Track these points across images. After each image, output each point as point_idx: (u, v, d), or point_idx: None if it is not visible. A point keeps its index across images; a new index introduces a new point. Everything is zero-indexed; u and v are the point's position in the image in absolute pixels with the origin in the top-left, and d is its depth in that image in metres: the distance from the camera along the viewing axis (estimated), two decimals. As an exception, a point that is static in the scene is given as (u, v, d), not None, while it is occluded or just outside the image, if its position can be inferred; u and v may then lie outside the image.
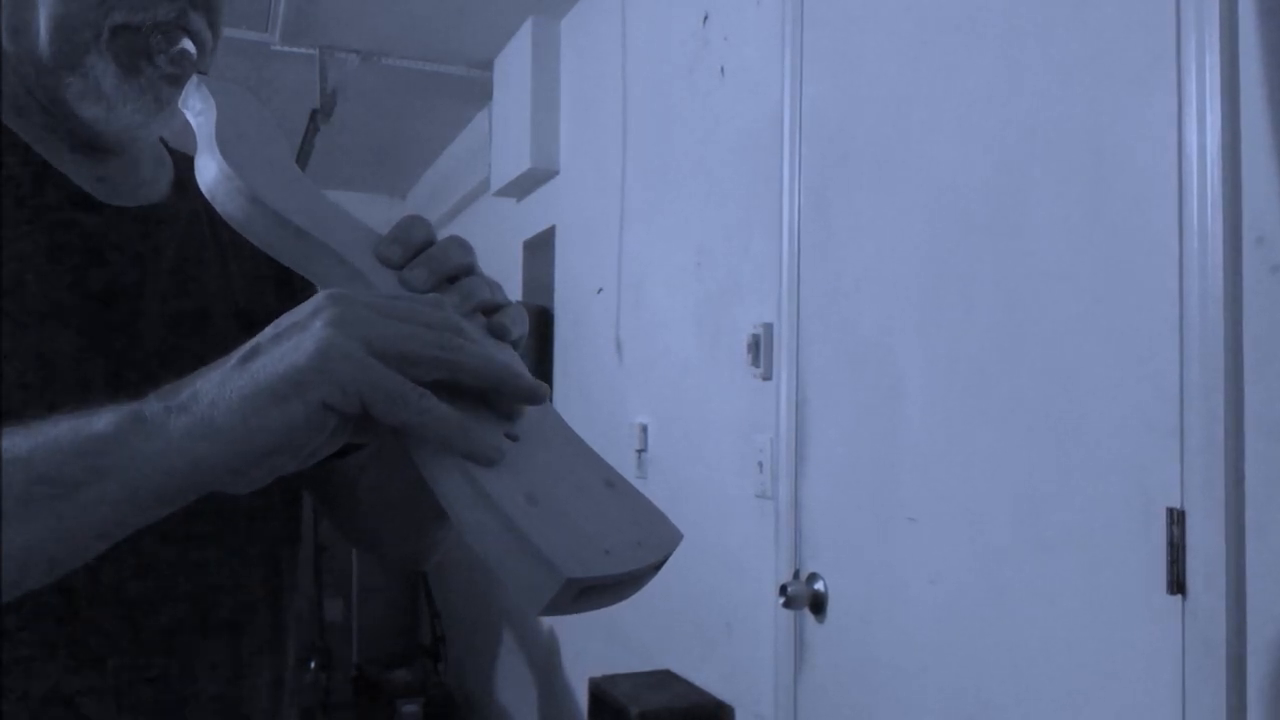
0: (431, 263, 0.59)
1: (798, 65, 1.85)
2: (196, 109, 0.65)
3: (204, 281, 0.78)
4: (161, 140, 0.83)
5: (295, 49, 3.26)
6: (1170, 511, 1.09)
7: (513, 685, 3.63)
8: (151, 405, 0.49)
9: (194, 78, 0.67)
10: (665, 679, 2.21)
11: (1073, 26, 1.27)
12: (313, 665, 4.00)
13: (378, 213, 3.93)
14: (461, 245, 0.60)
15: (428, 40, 3.32)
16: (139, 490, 0.48)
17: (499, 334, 0.58)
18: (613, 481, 0.55)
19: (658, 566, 0.52)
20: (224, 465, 0.47)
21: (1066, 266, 1.25)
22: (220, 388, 0.48)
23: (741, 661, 1.99)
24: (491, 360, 0.51)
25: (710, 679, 2.11)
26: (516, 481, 0.49)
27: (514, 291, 3.51)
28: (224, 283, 0.80)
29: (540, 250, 3.31)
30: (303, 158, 3.95)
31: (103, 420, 0.48)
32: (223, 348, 0.50)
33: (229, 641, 0.75)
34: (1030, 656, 1.28)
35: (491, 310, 0.59)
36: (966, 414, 1.41)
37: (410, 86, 3.70)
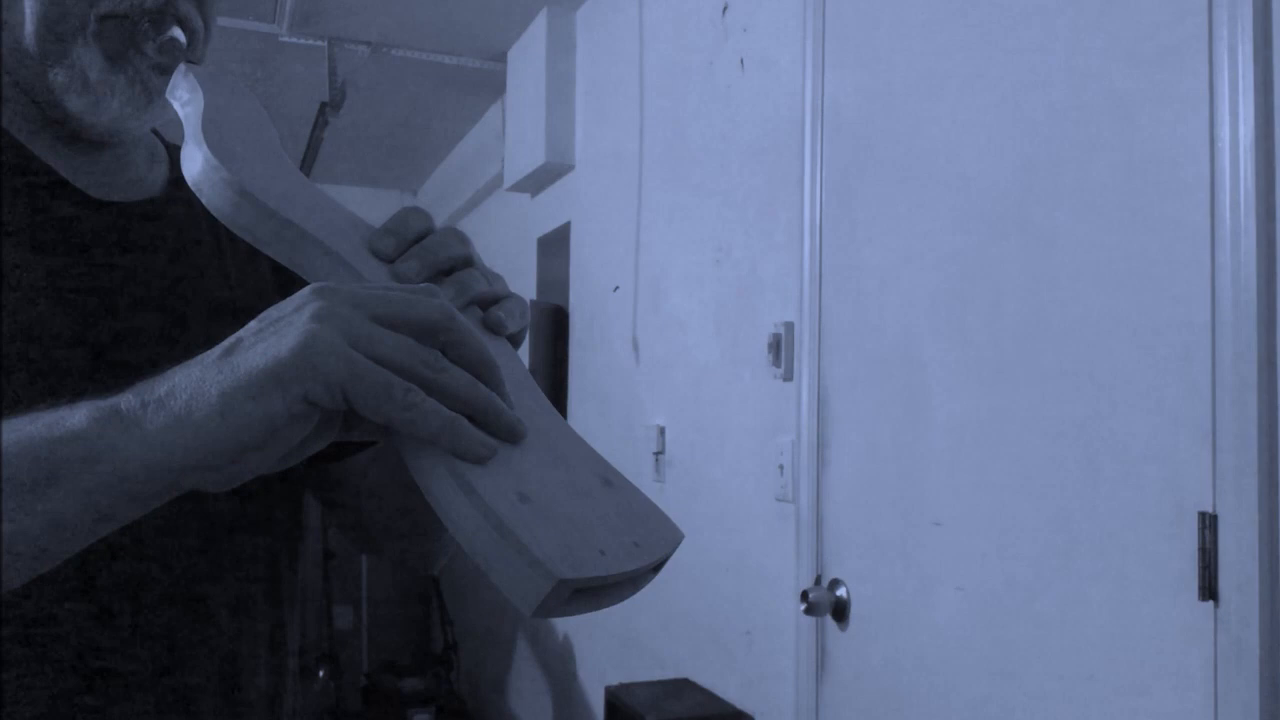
0: (425, 255, 0.58)
1: (819, 57, 1.86)
2: (184, 98, 0.65)
3: (198, 278, 0.78)
4: (156, 133, 0.83)
5: (303, 40, 3.28)
6: (1202, 516, 1.10)
7: (527, 694, 3.64)
8: (128, 400, 0.48)
9: (181, 66, 0.67)
10: (683, 687, 2.22)
11: (1100, 15, 1.27)
12: (322, 673, 4.03)
13: (388, 209, 3.95)
14: (457, 236, 0.60)
15: (440, 31, 3.35)
16: (114, 487, 0.47)
17: (495, 328, 0.58)
18: (610, 479, 0.54)
19: (657, 568, 0.52)
20: (202, 461, 0.47)
21: (1095, 263, 1.26)
22: (200, 382, 0.47)
23: (762, 670, 2.01)
24: (475, 387, 0.50)
25: (729, 688, 2.12)
26: (508, 479, 0.49)
27: (528, 289, 3.53)
28: (220, 279, 0.80)
29: (555, 247, 3.32)
30: (311, 152, 3.99)
31: (78, 416, 0.48)
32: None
33: (227, 646, 0.75)
34: (1058, 665, 1.29)
35: (489, 303, 0.59)
36: (993, 415, 1.42)
37: (422, 79, 3.72)
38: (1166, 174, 1.17)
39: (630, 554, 0.50)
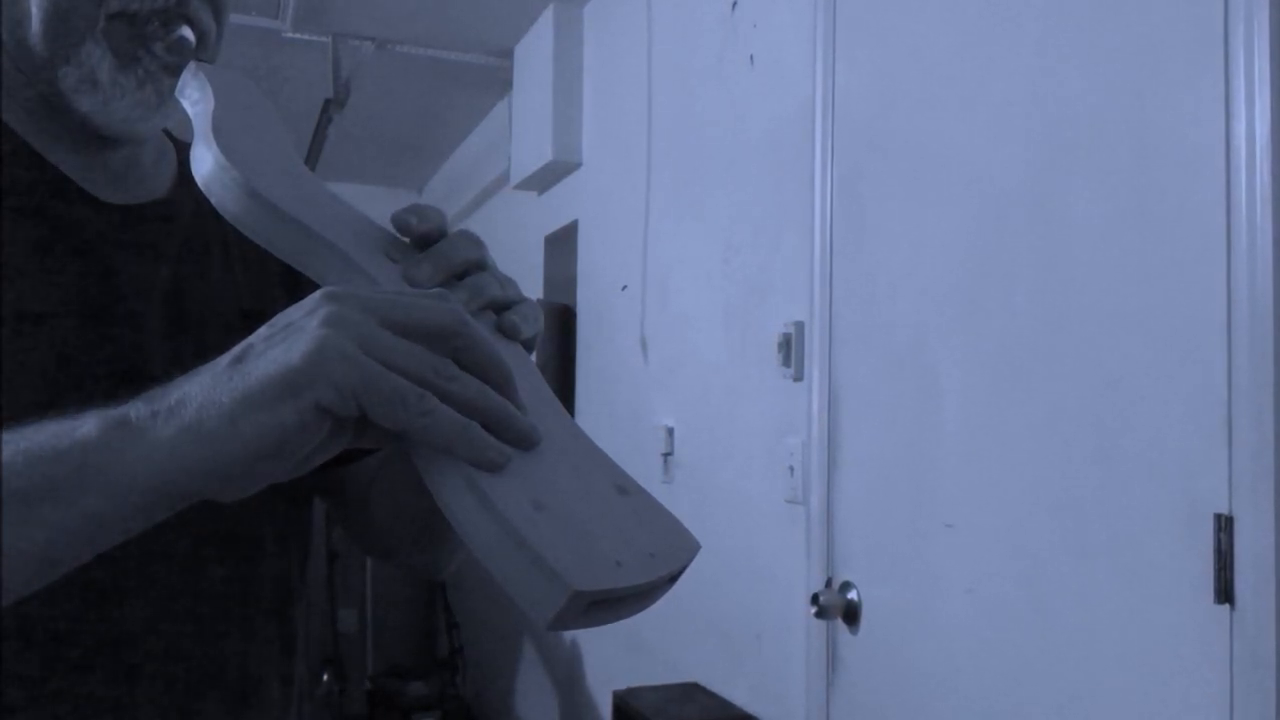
0: (438, 258, 0.58)
1: (829, 53, 1.86)
2: (194, 98, 0.65)
3: (207, 280, 0.79)
4: (166, 131, 0.83)
5: (307, 36, 3.30)
6: (1218, 518, 1.10)
7: (533, 698, 3.65)
8: (138, 409, 0.48)
9: (191, 65, 0.67)
10: (692, 692, 2.22)
11: (1114, 11, 1.27)
12: (326, 677, 4.04)
13: (393, 207, 3.97)
14: (471, 239, 0.60)
15: (445, 27, 3.35)
16: (123, 499, 0.47)
17: (509, 333, 0.58)
18: (626, 488, 0.54)
19: (673, 579, 0.51)
20: (213, 471, 0.47)
21: (1109, 262, 1.26)
22: (210, 390, 0.47)
23: (771, 674, 2.01)
24: (487, 394, 0.51)
25: (739, 692, 2.12)
26: (522, 488, 0.48)
27: (535, 288, 3.53)
28: (229, 281, 0.80)
29: (562, 246, 3.33)
30: (315, 149, 4.00)
31: (87, 425, 0.48)
32: (226, 350, 0.50)
33: (235, 650, 0.76)
34: (1072, 668, 1.29)
35: (502, 307, 0.59)
36: (1005, 416, 1.42)
37: (427, 75, 3.73)
38: (1181, 170, 1.17)
39: (647, 565, 0.49)
